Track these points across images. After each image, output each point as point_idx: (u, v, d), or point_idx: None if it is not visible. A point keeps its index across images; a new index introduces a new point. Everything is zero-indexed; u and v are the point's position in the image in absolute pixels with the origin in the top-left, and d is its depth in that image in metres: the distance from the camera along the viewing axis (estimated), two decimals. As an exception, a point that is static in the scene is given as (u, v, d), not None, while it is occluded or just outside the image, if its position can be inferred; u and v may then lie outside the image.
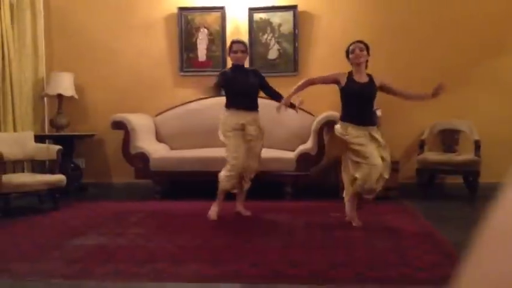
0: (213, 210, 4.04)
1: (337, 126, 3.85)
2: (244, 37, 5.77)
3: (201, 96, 5.66)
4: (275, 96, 4.26)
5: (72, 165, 5.71)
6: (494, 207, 0.37)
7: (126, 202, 5.02)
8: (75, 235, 3.60)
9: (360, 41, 3.89)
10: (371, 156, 3.61)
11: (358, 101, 3.79)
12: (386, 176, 3.72)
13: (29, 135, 5.07)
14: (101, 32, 5.98)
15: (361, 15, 5.69)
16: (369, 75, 3.90)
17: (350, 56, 3.86)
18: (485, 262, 0.35)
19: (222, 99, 4.36)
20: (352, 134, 3.69)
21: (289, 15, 5.69)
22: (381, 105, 5.37)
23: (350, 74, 3.86)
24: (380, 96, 5.40)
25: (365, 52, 3.85)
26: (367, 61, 3.90)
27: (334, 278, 2.59)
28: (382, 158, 3.69)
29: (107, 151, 6.05)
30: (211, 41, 5.84)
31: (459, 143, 5.48)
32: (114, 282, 2.60)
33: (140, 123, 5.46)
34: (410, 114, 5.61)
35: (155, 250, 3.16)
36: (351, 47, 3.87)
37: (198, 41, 5.85)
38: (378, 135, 3.77)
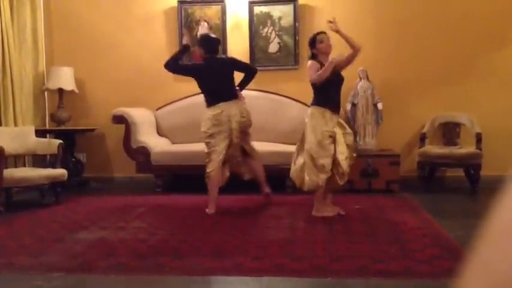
0: None
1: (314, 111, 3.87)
2: (245, 30, 5.77)
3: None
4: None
5: (73, 159, 5.72)
6: (498, 202, 0.37)
7: (127, 196, 5.03)
8: (76, 229, 3.61)
9: (325, 32, 3.97)
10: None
11: (334, 88, 3.91)
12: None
13: (30, 129, 5.07)
14: (101, 26, 5.97)
15: (362, 8, 5.66)
16: None
17: (319, 45, 3.91)
18: (489, 260, 0.35)
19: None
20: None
21: (289, 8, 5.66)
22: (382, 99, 5.37)
23: (320, 63, 3.87)
24: (382, 90, 5.42)
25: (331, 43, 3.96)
26: None
27: (336, 271, 2.59)
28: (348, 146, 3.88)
29: (108, 145, 6.05)
30: (211, 35, 5.82)
31: (460, 136, 5.47)
32: (116, 275, 2.61)
33: (141, 117, 5.46)
34: (411, 107, 5.61)
35: (157, 244, 3.17)
36: (318, 37, 3.93)
37: (198, 35, 5.83)
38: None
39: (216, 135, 4.07)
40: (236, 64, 4.32)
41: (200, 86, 4.25)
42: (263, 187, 4.38)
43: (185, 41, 4.12)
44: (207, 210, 4.05)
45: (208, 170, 4.09)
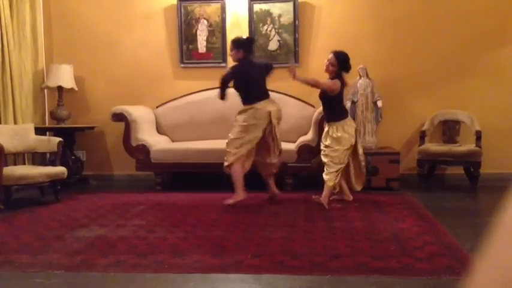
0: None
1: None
2: (244, 28, 5.75)
3: (202, 88, 5.69)
4: None
5: (73, 157, 5.72)
6: (507, 200, 0.36)
7: (127, 194, 5.03)
8: (76, 227, 3.61)
9: (337, 53, 4.23)
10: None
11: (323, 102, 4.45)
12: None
13: (30, 127, 5.07)
14: (101, 23, 5.95)
15: (361, 5, 5.65)
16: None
17: None
18: (500, 257, 0.35)
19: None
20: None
21: (289, 5, 5.65)
22: (382, 96, 5.36)
23: None
24: (381, 87, 5.41)
25: (334, 67, 4.22)
26: (339, 70, 4.26)
27: (336, 269, 2.60)
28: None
29: (107, 143, 6.05)
30: (211, 33, 5.81)
31: (460, 133, 5.47)
32: (116, 273, 2.61)
33: (141, 115, 5.45)
34: (412, 105, 5.61)
35: (156, 241, 3.17)
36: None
37: (198, 33, 5.83)
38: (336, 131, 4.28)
39: (252, 128, 4.20)
40: (270, 67, 4.52)
41: (240, 85, 4.31)
42: (273, 187, 4.48)
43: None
44: (230, 200, 4.17)
45: (229, 161, 4.19)
